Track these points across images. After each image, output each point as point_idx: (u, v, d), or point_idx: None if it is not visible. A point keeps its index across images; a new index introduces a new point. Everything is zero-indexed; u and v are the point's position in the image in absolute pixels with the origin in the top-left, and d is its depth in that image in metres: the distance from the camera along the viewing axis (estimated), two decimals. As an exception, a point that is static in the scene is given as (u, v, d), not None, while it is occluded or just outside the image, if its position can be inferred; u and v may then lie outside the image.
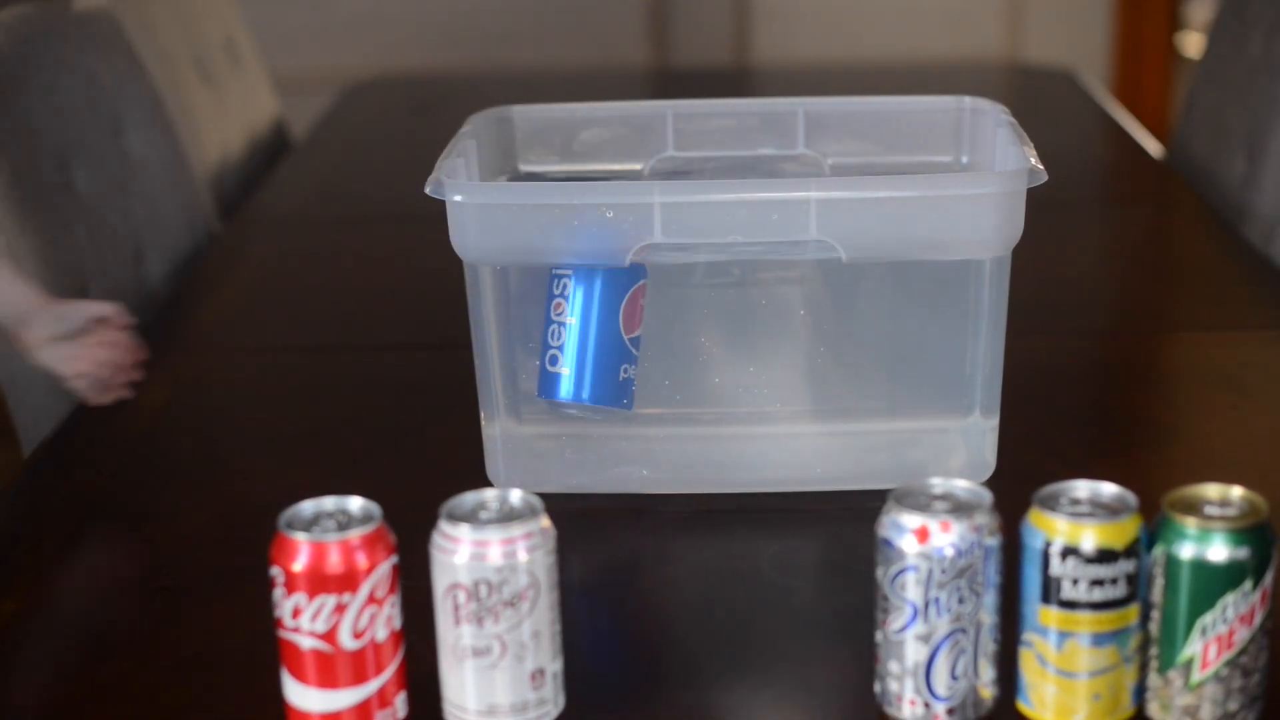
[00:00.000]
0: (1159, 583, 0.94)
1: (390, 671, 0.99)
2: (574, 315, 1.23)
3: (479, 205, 1.20)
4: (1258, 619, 0.93)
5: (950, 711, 0.97)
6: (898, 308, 1.29)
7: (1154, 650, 0.95)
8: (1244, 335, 1.62)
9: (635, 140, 1.45)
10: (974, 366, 1.26)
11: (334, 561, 0.96)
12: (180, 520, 1.29)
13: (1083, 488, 0.96)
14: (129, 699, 1.03)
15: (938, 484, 0.98)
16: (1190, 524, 0.93)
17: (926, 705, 0.96)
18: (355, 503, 1.00)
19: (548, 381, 1.25)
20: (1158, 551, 0.94)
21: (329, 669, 0.97)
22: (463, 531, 0.96)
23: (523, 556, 0.95)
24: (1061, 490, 0.97)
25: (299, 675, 0.97)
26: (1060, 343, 1.59)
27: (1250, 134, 2.11)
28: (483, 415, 1.28)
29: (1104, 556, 0.93)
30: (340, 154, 2.52)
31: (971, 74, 3.08)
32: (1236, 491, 0.95)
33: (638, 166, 1.44)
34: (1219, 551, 0.92)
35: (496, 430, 1.28)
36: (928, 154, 1.44)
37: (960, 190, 1.22)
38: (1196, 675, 0.94)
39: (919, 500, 0.97)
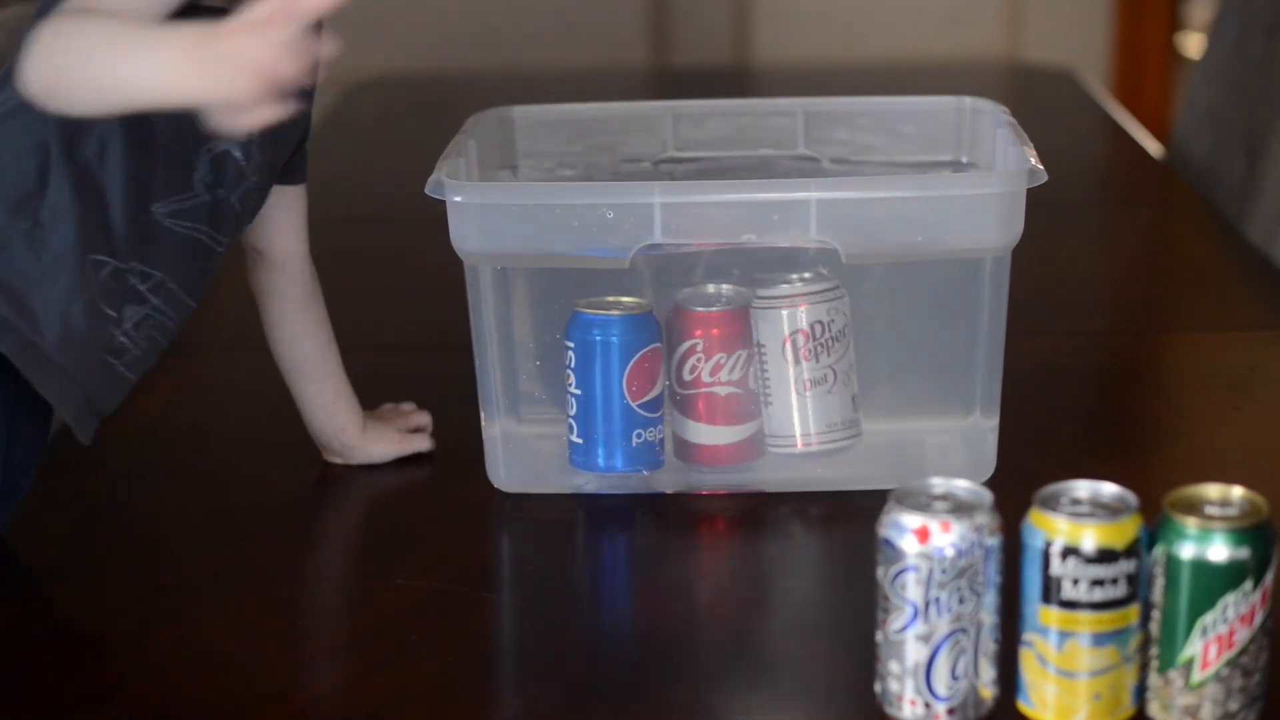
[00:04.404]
0: (1159, 583, 0.94)
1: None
2: (578, 387, 1.23)
3: (479, 205, 1.21)
4: (1258, 619, 0.93)
5: (951, 711, 0.96)
6: (898, 308, 1.29)
7: (1154, 650, 0.95)
8: (1244, 335, 1.62)
9: (635, 140, 1.45)
10: (974, 366, 1.26)
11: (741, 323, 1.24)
12: (180, 520, 1.29)
13: (1083, 488, 0.96)
14: (129, 699, 1.03)
15: (938, 484, 0.98)
16: (1191, 524, 0.93)
17: (927, 705, 0.96)
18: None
19: (571, 450, 1.26)
20: (1158, 551, 0.94)
21: (741, 409, 1.24)
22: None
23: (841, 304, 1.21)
24: (1062, 490, 0.97)
25: (714, 420, 1.24)
26: (1060, 343, 1.59)
27: (1250, 134, 2.11)
28: (483, 415, 1.28)
29: (1104, 556, 0.93)
30: (340, 154, 2.51)
31: (971, 74, 3.08)
32: (1237, 491, 0.95)
33: (638, 167, 1.45)
34: (1219, 551, 0.92)
35: (496, 430, 1.28)
36: (928, 154, 1.44)
37: (960, 190, 1.22)
38: (1197, 675, 0.94)
39: (919, 500, 0.97)
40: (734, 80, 3.27)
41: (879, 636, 0.97)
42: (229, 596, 1.16)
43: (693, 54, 3.80)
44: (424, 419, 1.36)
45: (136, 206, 1.14)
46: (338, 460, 1.32)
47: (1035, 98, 2.69)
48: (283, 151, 1.25)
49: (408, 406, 1.38)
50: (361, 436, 1.32)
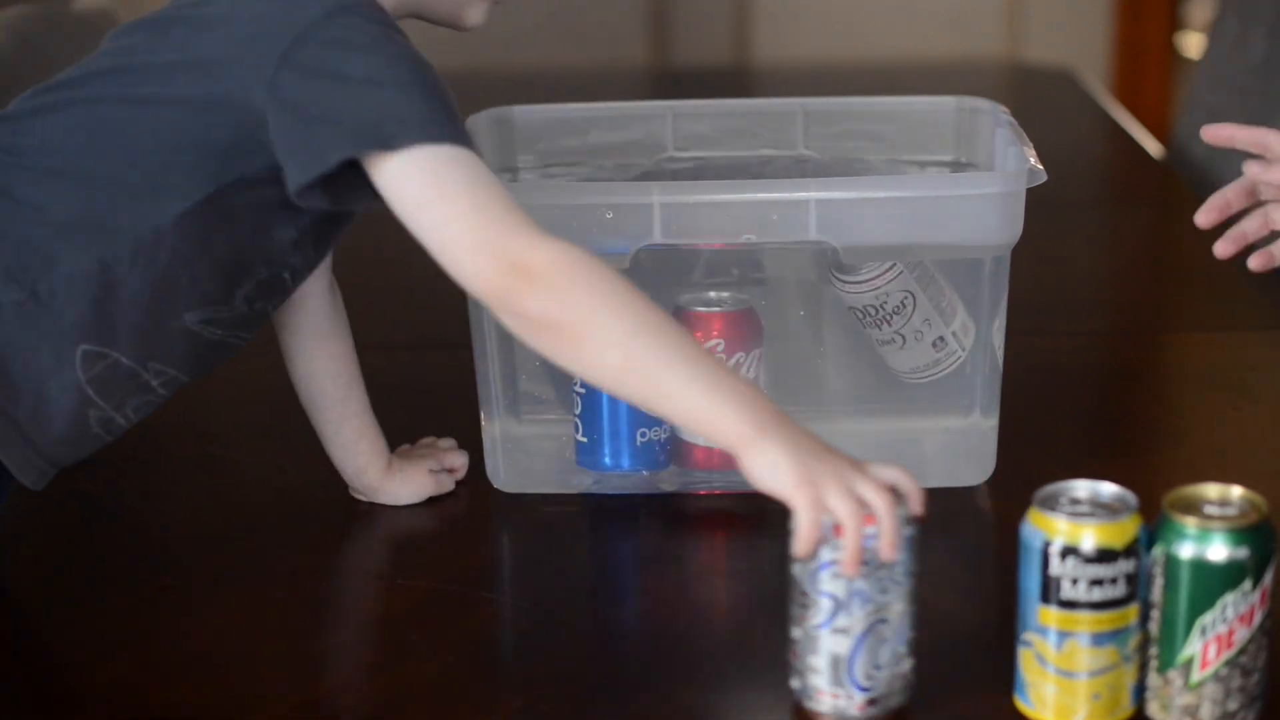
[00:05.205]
0: (1159, 582, 0.94)
1: None
2: (584, 386, 1.24)
3: (479, 205, 1.20)
4: (1257, 619, 0.93)
5: (872, 702, 0.97)
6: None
7: (1154, 650, 0.95)
8: (1244, 335, 1.62)
9: (635, 140, 1.45)
10: (974, 366, 1.26)
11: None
12: (180, 520, 1.29)
13: (1082, 487, 0.96)
14: (129, 699, 1.03)
15: None
16: (1190, 524, 0.93)
17: (849, 697, 0.96)
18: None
19: (578, 449, 1.26)
20: (1157, 551, 0.94)
21: None
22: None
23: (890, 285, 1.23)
24: (1061, 490, 0.97)
25: None
26: (1060, 343, 1.59)
27: (1250, 134, 2.10)
28: (483, 415, 1.28)
29: (1103, 556, 0.93)
30: (340, 154, 2.51)
31: (971, 74, 3.08)
32: (1236, 491, 0.95)
33: (638, 167, 1.45)
34: (1218, 551, 0.92)
35: (496, 430, 1.28)
36: (928, 154, 1.44)
37: (960, 190, 1.22)
38: (1196, 675, 0.94)
39: None
40: (734, 80, 3.27)
41: (796, 632, 0.97)
42: (229, 596, 1.16)
43: (693, 54, 3.80)
44: (459, 460, 1.31)
45: (164, 313, 1.08)
46: (362, 499, 1.28)
47: (1035, 98, 2.69)
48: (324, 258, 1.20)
49: (446, 443, 1.33)
50: (385, 478, 1.27)
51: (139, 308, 1.07)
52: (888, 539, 0.93)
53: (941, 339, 1.26)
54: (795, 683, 0.99)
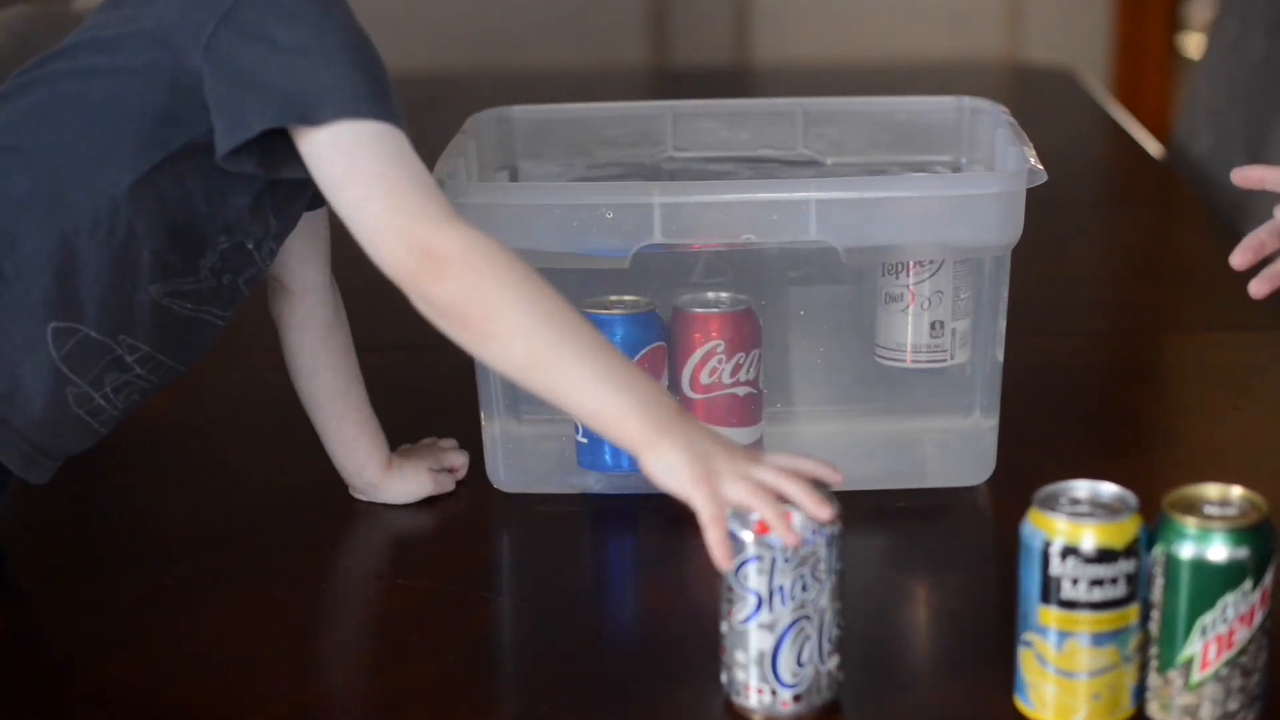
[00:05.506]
0: (1159, 582, 0.94)
1: None
2: None
3: (479, 205, 1.20)
4: (1257, 619, 0.93)
5: (797, 698, 0.97)
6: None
7: (1154, 650, 0.95)
8: (1244, 335, 1.62)
9: (635, 140, 1.45)
10: (974, 366, 1.26)
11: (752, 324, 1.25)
12: (180, 520, 1.29)
13: (1082, 488, 0.96)
14: (129, 699, 1.03)
15: None
16: (1190, 524, 0.93)
17: (774, 693, 0.97)
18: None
19: (578, 450, 1.26)
20: (1157, 551, 0.94)
21: (753, 410, 1.25)
22: None
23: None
24: (1061, 490, 0.97)
25: (730, 423, 1.20)
26: (1060, 343, 1.59)
27: (1250, 134, 2.11)
28: (483, 415, 1.28)
29: (1104, 556, 0.93)
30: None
31: (971, 74, 3.08)
32: (1236, 491, 0.95)
33: (638, 167, 1.45)
34: (1219, 551, 0.92)
35: (496, 430, 1.28)
36: (928, 154, 1.44)
37: (960, 190, 1.22)
38: (1196, 675, 0.94)
39: None
40: (734, 80, 3.27)
41: (724, 627, 0.98)
42: (229, 596, 1.16)
43: (693, 54, 3.80)
44: (458, 460, 1.30)
45: (128, 286, 1.08)
46: (361, 498, 1.28)
47: (1035, 98, 2.69)
48: (291, 228, 1.18)
49: (447, 443, 1.33)
50: (385, 475, 1.27)
51: (102, 281, 1.07)
52: (810, 505, 0.93)
53: (941, 325, 1.26)
54: (723, 677, 0.99)
